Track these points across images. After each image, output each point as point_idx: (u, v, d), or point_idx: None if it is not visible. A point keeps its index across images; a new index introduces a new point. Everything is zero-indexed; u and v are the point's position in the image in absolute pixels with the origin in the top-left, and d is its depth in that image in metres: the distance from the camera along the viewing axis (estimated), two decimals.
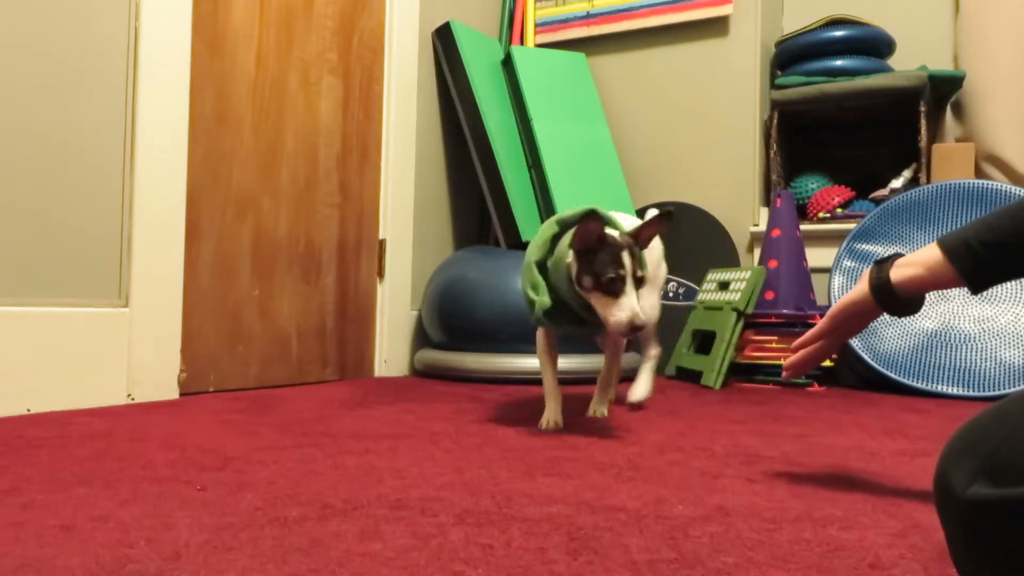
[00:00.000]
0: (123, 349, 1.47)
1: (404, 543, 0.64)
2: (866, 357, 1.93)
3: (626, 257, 1.09)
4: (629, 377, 2.12)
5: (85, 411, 1.35)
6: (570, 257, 1.13)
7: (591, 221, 1.07)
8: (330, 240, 1.99)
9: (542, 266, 1.20)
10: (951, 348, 1.89)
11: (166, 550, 0.61)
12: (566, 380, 1.98)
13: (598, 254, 1.09)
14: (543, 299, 1.17)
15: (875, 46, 2.34)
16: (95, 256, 1.44)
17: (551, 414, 1.27)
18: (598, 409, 1.41)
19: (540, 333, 1.30)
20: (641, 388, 1.38)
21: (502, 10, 2.72)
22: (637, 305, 1.08)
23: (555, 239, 1.19)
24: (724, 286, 2.14)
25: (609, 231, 1.12)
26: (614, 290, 1.08)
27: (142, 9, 1.50)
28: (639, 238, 1.15)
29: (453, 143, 2.48)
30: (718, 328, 2.04)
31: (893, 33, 2.45)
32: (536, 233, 1.24)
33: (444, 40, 2.37)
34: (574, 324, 1.21)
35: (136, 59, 1.50)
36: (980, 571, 0.43)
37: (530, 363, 1.96)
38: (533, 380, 1.96)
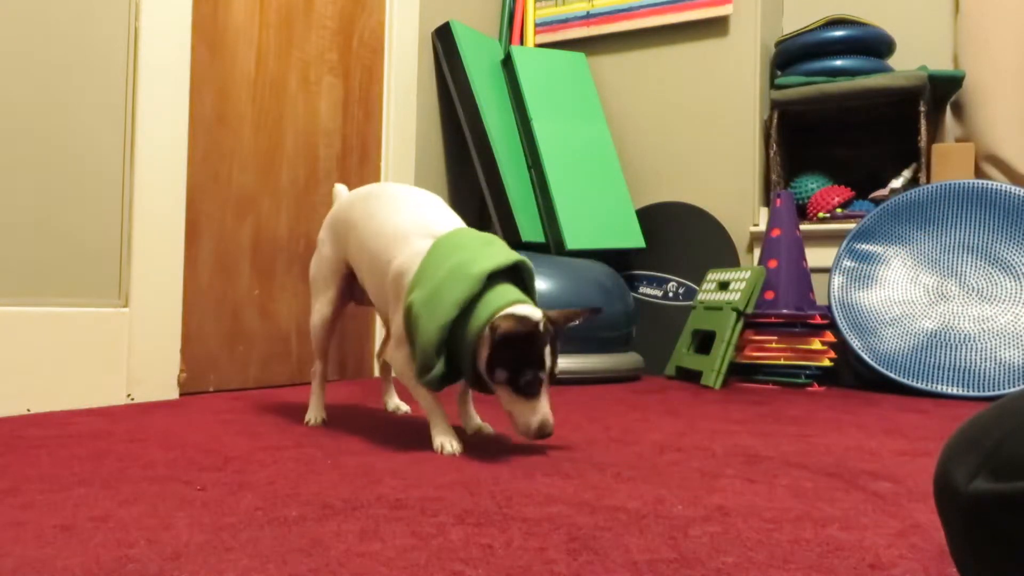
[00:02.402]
0: (123, 349, 1.47)
1: (404, 543, 0.63)
2: (866, 357, 1.93)
3: (548, 354, 0.98)
4: (625, 377, 2.12)
5: (85, 411, 1.35)
6: (483, 334, 0.98)
7: (521, 323, 0.94)
8: None
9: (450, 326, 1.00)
10: (951, 348, 1.89)
11: (166, 550, 0.61)
12: (566, 381, 1.98)
13: (522, 349, 0.96)
14: (434, 378, 1.02)
15: (875, 46, 2.34)
16: (95, 256, 1.44)
17: (446, 437, 1.05)
18: (484, 426, 1.20)
19: (406, 355, 1.09)
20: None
21: (502, 10, 2.72)
22: (549, 409, 0.98)
23: (473, 299, 1.00)
24: (724, 286, 2.14)
25: (526, 311, 0.98)
26: (529, 392, 0.97)
27: (142, 9, 1.50)
28: (558, 323, 1.02)
29: (453, 143, 2.48)
30: (718, 328, 2.04)
31: (893, 33, 2.46)
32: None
33: (444, 40, 2.37)
34: (453, 382, 1.07)
35: (136, 59, 1.50)
36: (981, 568, 0.43)
37: None
38: None
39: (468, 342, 0.99)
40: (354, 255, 1.20)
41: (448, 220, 1.12)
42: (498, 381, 0.99)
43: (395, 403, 1.43)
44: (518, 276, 1.08)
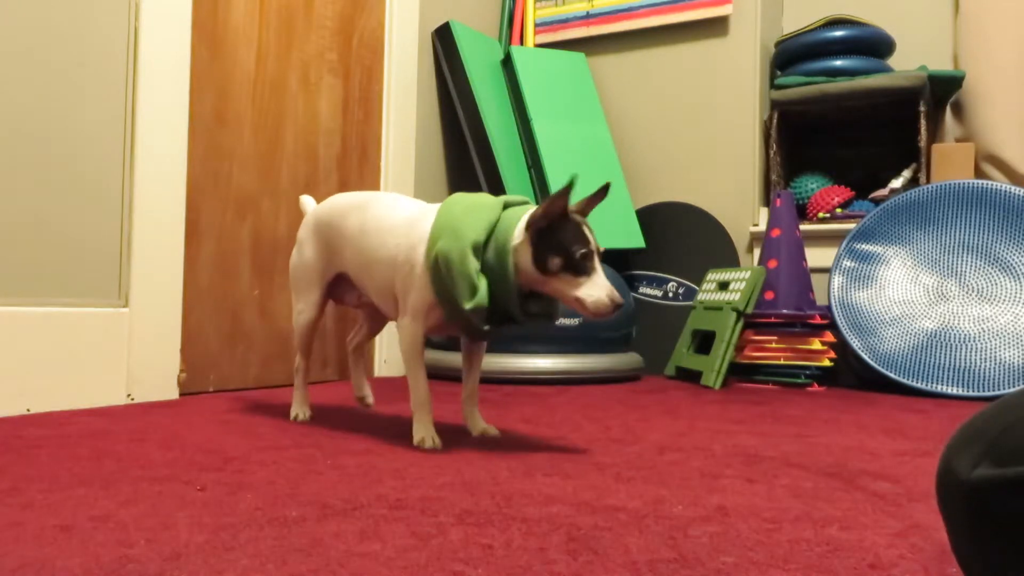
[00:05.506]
0: (123, 349, 1.47)
1: (404, 543, 0.63)
2: (866, 357, 1.93)
3: (588, 231, 1.00)
4: (625, 377, 2.12)
5: (85, 411, 1.35)
6: (518, 239, 1.01)
7: (562, 196, 0.97)
8: None
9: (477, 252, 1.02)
10: (951, 348, 1.89)
11: (166, 550, 0.61)
12: (551, 380, 1.98)
13: (564, 230, 0.98)
14: (483, 296, 1.00)
15: (875, 46, 2.34)
16: (95, 256, 1.44)
17: (429, 431, 1.08)
18: (488, 429, 1.18)
19: (418, 332, 1.08)
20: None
21: (502, 10, 2.72)
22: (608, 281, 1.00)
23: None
24: (724, 286, 2.14)
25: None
26: (587, 268, 0.98)
27: (142, 9, 1.50)
28: (584, 213, 1.04)
29: (453, 143, 2.48)
30: (718, 328, 2.04)
31: (893, 33, 2.45)
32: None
33: (444, 40, 2.37)
34: (498, 324, 1.07)
35: (136, 59, 1.50)
36: (983, 556, 0.43)
37: (530, 363, 1.96)
38: (533, 380, 1.96)
39: (504, 259, 1.00)
40: (352, 260, 1.20)
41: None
42: (553, 271, 0.99)
43: (365, 391, 1.37)
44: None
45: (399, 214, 1.14)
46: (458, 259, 1.00)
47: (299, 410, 1.32)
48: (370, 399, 1.38)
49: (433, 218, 1.08)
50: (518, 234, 1.01)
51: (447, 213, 1.05)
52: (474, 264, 1.00)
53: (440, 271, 1.02)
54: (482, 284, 1.00)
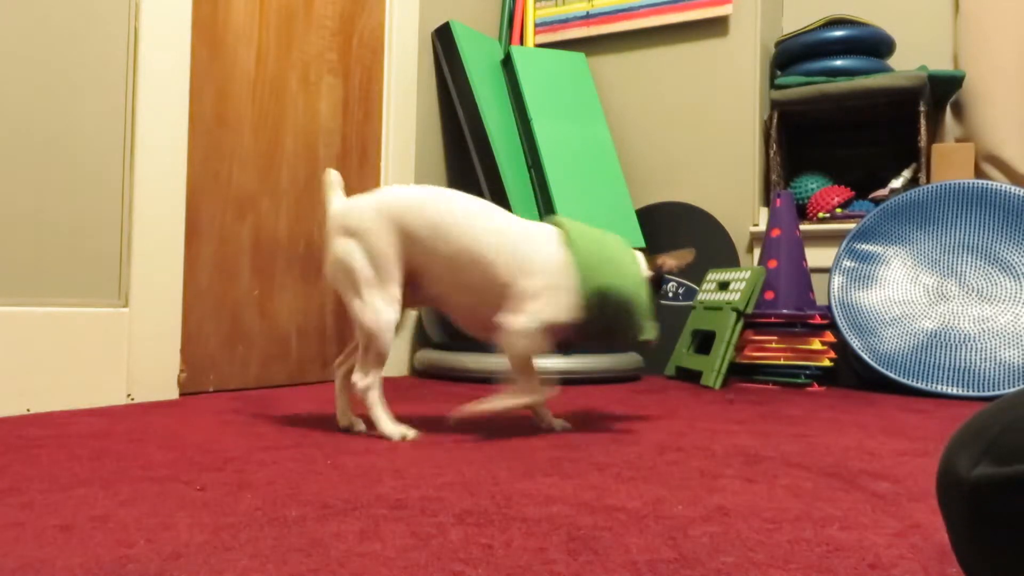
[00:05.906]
0: (123, 349, 1.47)
1: (404, 543, 0.63)
2: (866, 357, 1.93)
3: None
4: (625, 377, 2.12)
5: (85, 411, 1.35)
6: (645, 275, 1.21)
7: (690, 257, 1.23)
8: None
9: None
10: (951, 348, 1.89)
11: (166, 550, 0.61)
12: (551, 380, 1.98)
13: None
14: (657, 327, 1.21)
15: (875, 46, 2.34)
16: (95, 256, 1.44)
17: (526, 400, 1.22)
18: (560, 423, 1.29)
19: (543, 342, 1.16)
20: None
21: (502, 10, 2.72)
22: None
23: None
24: (724, 286, 2.14)
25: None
26: None
27: (142, 9, 1.50)
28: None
29: (453, 143, 2.48)
30: (718, 328, 2.04)
31: (893, 33, 2.46)
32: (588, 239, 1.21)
33: (444, 40, 2.37)
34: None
35: (136, 59, 1.50)
36: (983, 555, 0.43)
37: None
38: None
39: (650, 292, 1.20)
40: (442, 260, 1.13)
41: (521, 219, 1.24)
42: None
43: (351, 419, 1.23)
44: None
45: (510, 221, 1.18)
46: (638, 297, 1.16)
47: (402, 428, 1.16)
48: (359, 426, 1.22)
49: (550, 239, 1.17)
50: (644, 271, 1.20)
51: (592, 244, 1.17)
52: (649, 302, 1.18)
53: (607, 305, 1.14)
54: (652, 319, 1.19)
